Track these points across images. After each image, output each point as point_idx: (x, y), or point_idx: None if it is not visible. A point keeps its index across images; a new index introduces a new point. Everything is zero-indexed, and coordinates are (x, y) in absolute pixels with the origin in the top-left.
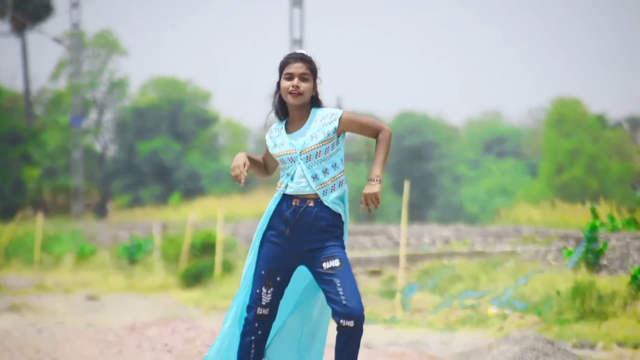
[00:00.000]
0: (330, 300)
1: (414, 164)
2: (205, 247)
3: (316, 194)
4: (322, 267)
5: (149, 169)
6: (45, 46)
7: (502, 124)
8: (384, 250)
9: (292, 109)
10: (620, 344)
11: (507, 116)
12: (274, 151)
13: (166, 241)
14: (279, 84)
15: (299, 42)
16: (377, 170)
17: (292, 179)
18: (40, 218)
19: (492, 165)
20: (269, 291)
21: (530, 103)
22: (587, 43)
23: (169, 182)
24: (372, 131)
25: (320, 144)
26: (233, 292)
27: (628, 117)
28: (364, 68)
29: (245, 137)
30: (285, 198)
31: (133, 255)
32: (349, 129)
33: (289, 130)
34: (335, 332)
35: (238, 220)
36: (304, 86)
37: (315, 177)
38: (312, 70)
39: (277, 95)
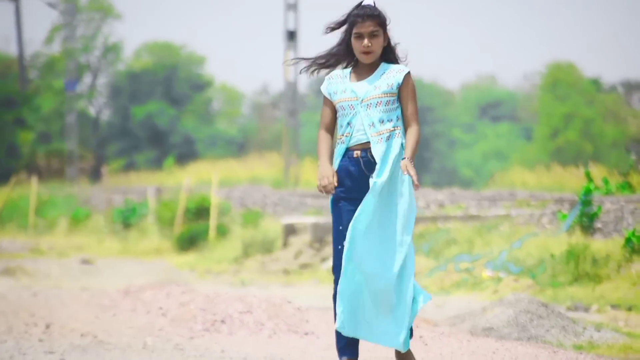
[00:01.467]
0: None
1: None
2: (200, 211)
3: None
4: None
5: (143, 133)
6: (39, 10)
7: (497, 88)
8: None
9: (362, 64)
10: (614, 306)
11: (502, 80)
12: (334, 97)
13: (161, 205)
14: (346, 37)
15: (293, 6)
16: (408, 154)
17: (352, 128)
18: (34, 182)
19: (487, 130)
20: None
21: (526, 67)
22: (582, 7)
23: (163, 146)
24: (409, 114)
25: (383, 95)
26: (227, 255)
27: (622, 81)
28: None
29: (239, 102)
30: (347, 151)
31: (127, 219)
32: (400, 93)
33: (353, 78)
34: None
35: (232, 184)
36: (375, 44)
37: (372, 125)
38: (381, 25)
39: (343, 46)
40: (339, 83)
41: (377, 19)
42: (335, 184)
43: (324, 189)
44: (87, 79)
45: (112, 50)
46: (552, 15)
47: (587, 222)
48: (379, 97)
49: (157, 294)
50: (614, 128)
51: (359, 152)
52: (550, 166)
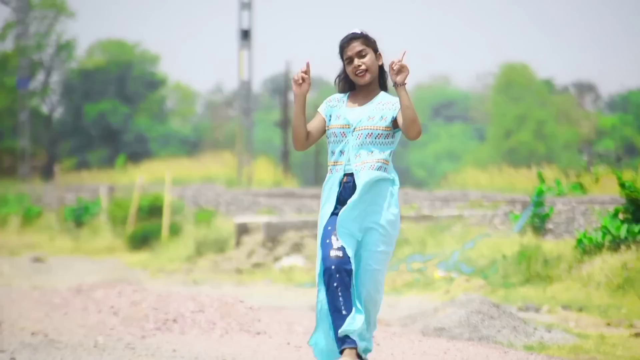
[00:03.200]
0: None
1: None
2: (153, 210)
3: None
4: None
5: (96, 131)
6: None
7: (450, 88)
8: None
9: (359, 86)
10: (565, 307)
11: (455, 81)
12: (329, 122)
13: (113, 204)
14: (344, 68)
15: (247, 5)
16: (404, 89)
17: (344, 156)
18: None
19: (440, 130)
20: (338, 238)
21: (479, 68)
22: (535, 8)
23: (116, 144)
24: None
25: (375, 127)
26: (180, 254)
27: (575, 82)
28: (315, 31)
29: (193, 101)
30: (341, 175)
31: (80, 217)
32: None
33: (349, 103)
34: None
35: (185, 183)
36: (365, 62)
37: (358, 156)
38: (367, 44)
39: (342, 79)
40: (335, 107)
41: (362, 38)
42: (308, 76)
43: (297, 78)
44: (40, 76)
45: (65, 48)
46: (505, 16)
47: (539, 223)
48: (370, 129)
49: (108, 292)
50: (567, 129)
51: (346, 177)
52: (502, 167)
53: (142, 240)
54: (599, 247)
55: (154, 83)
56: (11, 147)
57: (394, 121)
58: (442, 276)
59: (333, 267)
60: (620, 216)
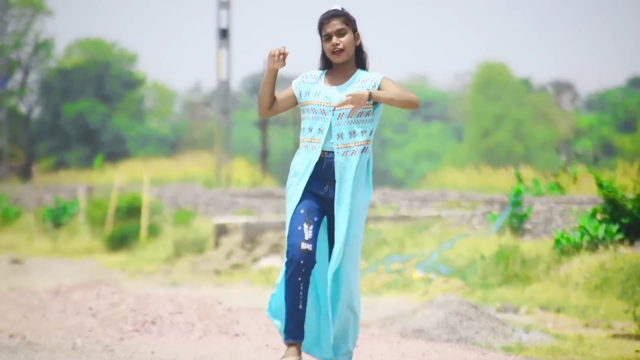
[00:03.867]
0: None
1: None
2: (131, 211)
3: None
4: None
5: (74, 131)
6: None
7: (428, 87)
8: None
9: (336, 64)
10: (543, 307)
11: (433, 80)
12: (304, 98)
13: (92, 204)
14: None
15: (226, 4)
16: (375, 91)
17: (323, 134)
18: None
19: (418, 129)
20: (310, 227)
21: (457, 67)
22: (513, 7)
23: (94, 144)
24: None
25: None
26: (159, 255)
27: (553, 82)
28: (294, 30)
29: (171, 100)
30: (319, 154)
31: (58, 218)
32: (384, 88)
33: (328, 81)
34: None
35: (164, 183)
36: (343, 41)
37: (340, 136)
38: (347, 23)
39: (322, 56)
40: (313, 84)
41: (342, 17)
42: (285, 54)
43: (274, 54)
44: (17, 76)
45: (43, 47)
46: (483, 15)
47: (517, 223)
48: (351, 107)
49: (87, 294)
50: (544, 129)
51: (326, 152)
52: (481, 167)
53: (120, 241)
54: (577, 248)
55: (132, 82)
56: None
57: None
58: (421, 277)
59: (302, 262)
60: (598, 216)
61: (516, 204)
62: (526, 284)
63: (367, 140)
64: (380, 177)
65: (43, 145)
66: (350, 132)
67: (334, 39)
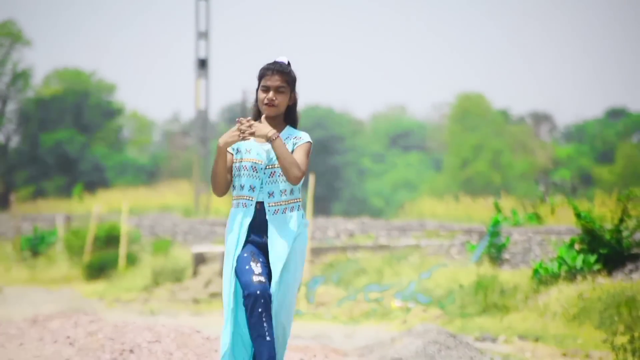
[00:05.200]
0: None
1: (319, 158)
2: (110, 240)
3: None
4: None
5: (52, 160)
6: None
7: (407, 117)
8: None
9: (265, 118)
10: (522, 337)
11: (411, 110)
12: (238, 156)
13: (70, 233)
14: (257, 91)
15: (204, 34)
16: (279, 142)
17: (255, 192)
18: None
19: (397, 159)
20: (258, 264)
21: (435, 97)
22: (490, 39)
23: (73, 173)
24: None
25: None
26: (137, 284)
27: (531, 112)
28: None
29: (150, 130)
30: (252, 212)
31: (36, 247)
32: (295, 150)
33: (256, 138)
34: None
35: (142, 212)
36: (279, 99)
37: (271, 194)
38: (289, 82)
39: (255, 106)
40: (246, 140)
41: (287, 76)
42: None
43: (241, 131)
44: None
45: (21, 76)
46: (461, 45)
47: (496, 253)
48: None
49: (64, 323)
50: (523, 159)
51: (259, 206)
52: (459, 196)
53: (98, 269)
54: (555, 278)
55: (111, 112)
56: None
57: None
58: (399, 306)
59: (258, 292)
60: (576, 246)
61: (494, 234)
62: (504, 313)
63: (298, 198)
64: (359, 206)
65: (21, 174)
66: (281, 191)
67: (271, 94)
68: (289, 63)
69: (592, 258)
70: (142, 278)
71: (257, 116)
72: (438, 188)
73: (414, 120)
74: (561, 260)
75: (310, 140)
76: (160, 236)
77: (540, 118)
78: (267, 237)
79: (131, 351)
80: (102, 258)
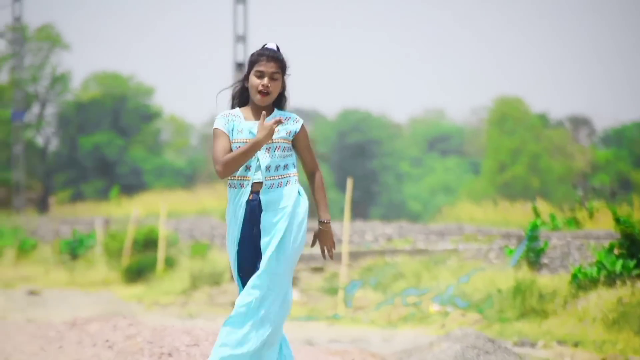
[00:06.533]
0: None
1: (357, 162)
2: (148, 243)
3: (262, 184)
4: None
5: (91, 163)
6: None
7: (445, 122)
8: None
9: (253, 103)
10: (560, 342)
11: (450, 114)
12: (234, 136)
13: (108, 236)
14: (246, 76)
15: (242, 38)
16: (326, 215)
17: (251, 171)
18: None
19: (435, 163)
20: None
21: (473, 102)
22: (529, 42)
23: (111, 177)
24: (310, 161)
25: (281, 140)
26: (175, 287)
27: (569, 116)
28: (308, 65)
29: (188, 133)
30: (249, 192)
31: (75, 250)
32: (297, 142)
33: (246, 118)
34: None
35: (180, 216)
36: (274, 86)
37: (268, 168)
38: (282, 69)
39: (241, 87)
40: (235, 122)
41: (280, 62)
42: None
43: (273, 124)
44: (35, 109)
45: (60, 80)
46: (500, 49)
47: (534, 257)
48: (277, 142)
49: (103, 326)
50: (561, 163)
51: (252, 194)
52: (497, 201)
53: (137, 273)
54: (594, 282)
55: (149, 115)
56: (6, 180)
57: (296, 133)
58: (437, 310)
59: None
60: (616, 251)
61: (533, 238)
62: (543, 318)
63: (294, 172)
64: (397, 210)
65: (60, 178)
66: (276, 166)
67: (266, 80)
68: (278, 49)
69: (632, 263)
70: (181, 281)
71: (239, 98)
72: (476, 192)
73: (452, 125)
74: (600, 265)
75: (302, 121)
76: (198, 239)
77: (579, 122)
78: (257, 227)
79: (170, 355)
80: (141, 261)
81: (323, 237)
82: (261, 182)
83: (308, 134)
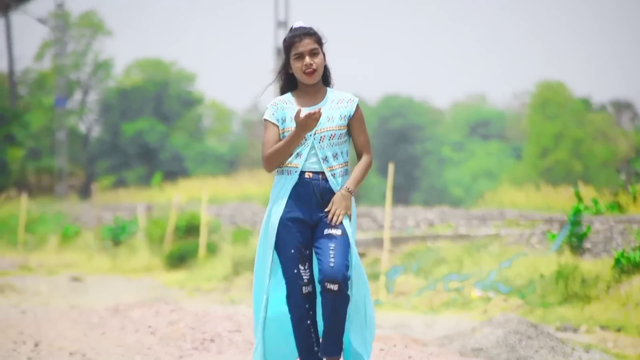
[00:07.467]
0: (319, 262)
1: (398, 147)
2: (190, 229)
3: (324, 174)
4: (323, 233)
5: (133, 150)
6: (29, 26)
7: (486, 107)
8: (368, 233)
9: (305, 85)
10: (603, 327)
11: (491, 99)
12: (283, 125)
13: (150, 223)
14: (285, 64)
15: (284, 24)
16: (354, 187)
17: (301, 159)
18: (24, 199)
19: (476, 148)
20: (306, 266)
21: (515, 86)
22: (572, 27)
23: (153, 163)
24: (363, 144)
25: (336, 127)
26: (217, 273)
27: (612, 101)
28: (350, 51)
29: (229, 119)
30: (298, 177)
31: (117, 236)
32: (352, 125)
33: (299, 104)
34: (321, 298)
35: (222, 202)
36: (317, 62)
37: (325, 159)
38: (319, 43)
39: (285, 76)
40: (285, 110)
41: (315, 36)
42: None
43: (313, 115)
44: (77, 95)
45: (102, 67)
46: (541, 34)
47: (577, 242)
48: (332, 130)
49: (145, 312)
50: (604, 148)
51: (310, 173)
52: (539, 185)
53: (179, 259)
54: (637, 267)
55: (191, 101)
56: (49, 166)
57: (351, 117)
58: (480, 296)
59: (307, 305)
60: None
61: (575, 223)
62: (586, 303)
63: (347, 162)
64: (439, 195)
65: (102, 164)
66: (333, 155)
67: (307, 59)
68: (314, 28)
69: None
70: (223, 267)
71: (288, 83)
72: (518, 177)
73: (493, 109)
74: None
75: (358, 100)
76: (240, 226)
77: (622, 106)
78: (314, 212)
79: (212, 340)
80: (183, 247)
81: (338, 199)
82: (311, 172)
83: (363, 115)
